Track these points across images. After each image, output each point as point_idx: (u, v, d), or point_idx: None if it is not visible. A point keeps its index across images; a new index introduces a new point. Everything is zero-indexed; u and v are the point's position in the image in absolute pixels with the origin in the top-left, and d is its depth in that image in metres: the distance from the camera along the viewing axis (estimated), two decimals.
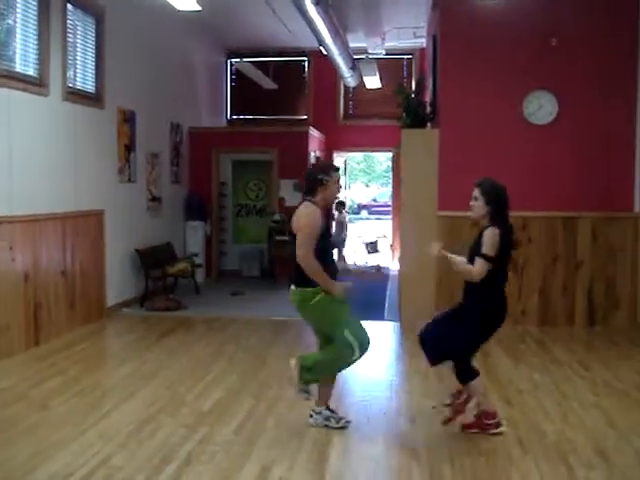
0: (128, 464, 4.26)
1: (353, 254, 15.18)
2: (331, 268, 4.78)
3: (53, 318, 7.67)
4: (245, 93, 14.84)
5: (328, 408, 4.96)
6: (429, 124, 9.33)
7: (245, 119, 15.02)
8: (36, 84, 7.42)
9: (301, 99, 14.98)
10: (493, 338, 7.69)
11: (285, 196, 12.33)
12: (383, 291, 11.30)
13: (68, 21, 8.01)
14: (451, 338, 4.71)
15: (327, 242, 4.88)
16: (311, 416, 4.95)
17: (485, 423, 4.79)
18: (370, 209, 34.42)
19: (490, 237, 4.54)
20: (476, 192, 4.71)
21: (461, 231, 8.52)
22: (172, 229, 11.49)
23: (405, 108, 9.09)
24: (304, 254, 4.59)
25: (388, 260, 14.61)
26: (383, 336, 8.30)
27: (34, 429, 4.88)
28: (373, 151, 15.73)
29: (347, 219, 14.54)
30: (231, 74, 14.92)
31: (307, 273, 4.63)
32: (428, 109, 9.52)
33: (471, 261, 4.63)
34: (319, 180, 4.76)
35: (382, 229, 15.17)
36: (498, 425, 4.79)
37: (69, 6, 7.99)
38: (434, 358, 4.83)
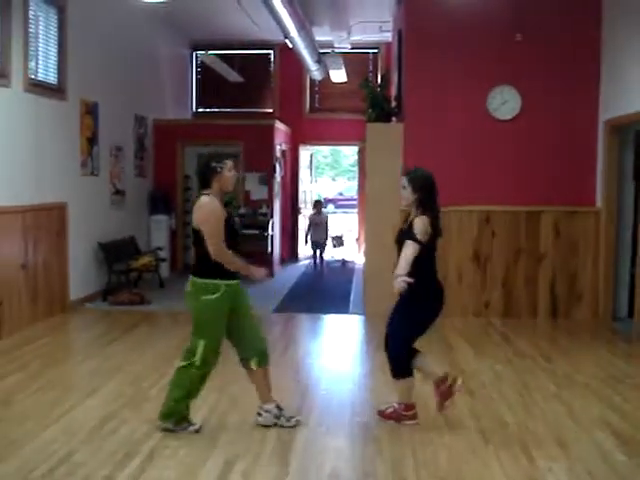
0: (90, 460, 4.22)
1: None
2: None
3: (14, 313, 7.56)
4: (211, 86, 14.73)
5: (278, 406, 4.86)
6: (394, 118, 9.36)
7: (211, 112, 14.93)
8: None
9: (267, 92, 14.91)
10: (457, 331, 7.83)
11: (251, 189, 12.30)
12: (349, 284, 11.34)
13: (30, 11, 7.88)
14: (392, 334, 4.80)
15: (231, 232, 4.71)
16: (259, 415, 4.84)
17: (403, 414, 4.85)
18: (337, 203, 34.49)
19: (420, 224, 4.61)
20: (404, 181, 4.80)
21: None
22: (136, 223, 11.39)
23: (370, 102, 9.11)
24: (216, 244, 4.49)
25: (354, 254, 14.64)
26: (348, 329, 8.33)
27: None
28: (339, 145, 15.71)
29: (326, 219, 13.86)
30: (196, 67, 14.82)
31: (223, 264, 4.52)
32: (393, 103, 9.55)
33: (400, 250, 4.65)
34: (212, 169, 4.61)
35: (348, 223, 15.14)
36: (414, 417, 4.86)
37: None
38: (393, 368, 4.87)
